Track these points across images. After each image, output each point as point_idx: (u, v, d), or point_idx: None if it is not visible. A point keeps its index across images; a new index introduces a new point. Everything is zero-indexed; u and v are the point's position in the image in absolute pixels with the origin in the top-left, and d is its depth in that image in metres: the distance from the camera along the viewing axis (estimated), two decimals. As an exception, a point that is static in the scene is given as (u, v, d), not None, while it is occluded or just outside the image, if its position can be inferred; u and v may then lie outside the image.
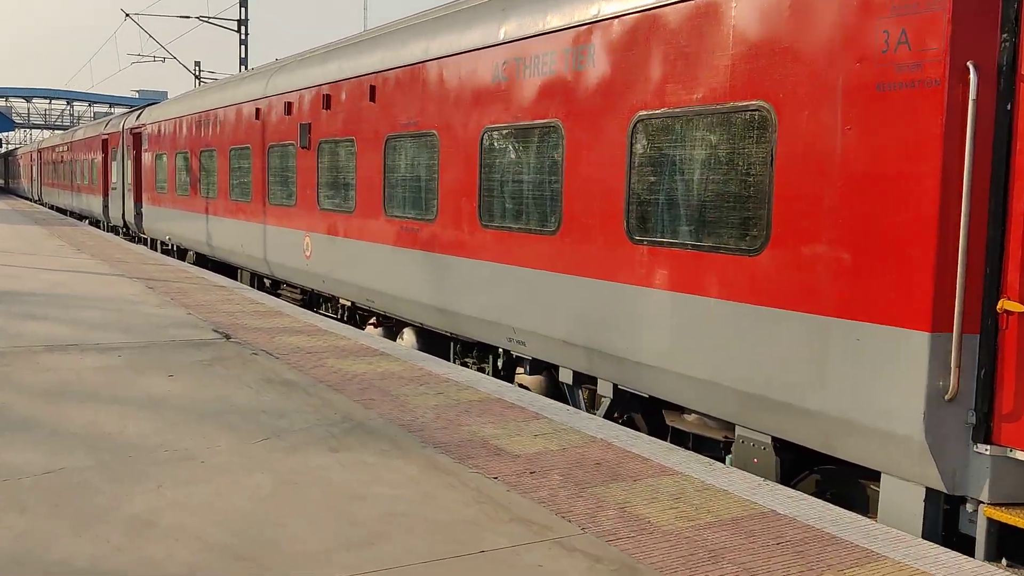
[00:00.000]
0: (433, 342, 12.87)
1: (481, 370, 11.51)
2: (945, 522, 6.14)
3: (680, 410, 8.46)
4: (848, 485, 6.96)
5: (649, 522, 5.79)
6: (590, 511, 5.93)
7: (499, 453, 7.18)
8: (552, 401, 8.91)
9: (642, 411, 8.93)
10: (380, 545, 5.23)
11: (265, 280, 19.29)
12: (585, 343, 8.73)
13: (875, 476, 6.74)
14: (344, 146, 13.81)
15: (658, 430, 8.81)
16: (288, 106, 15.86)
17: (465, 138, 10.66)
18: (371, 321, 13.79)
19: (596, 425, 8.09)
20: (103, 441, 7.16)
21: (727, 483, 6.62)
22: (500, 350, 10.56)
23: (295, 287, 17.25)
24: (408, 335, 13.11)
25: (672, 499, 6.24)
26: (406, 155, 12.03)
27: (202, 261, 23.59)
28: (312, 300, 17.11)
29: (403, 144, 12.11)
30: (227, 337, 12.06)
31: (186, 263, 23.02)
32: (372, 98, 12.81)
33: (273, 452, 7.02)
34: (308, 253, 15.34)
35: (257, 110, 17.43)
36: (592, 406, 9.59)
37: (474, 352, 12.05)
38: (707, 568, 5.12)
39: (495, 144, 10.11)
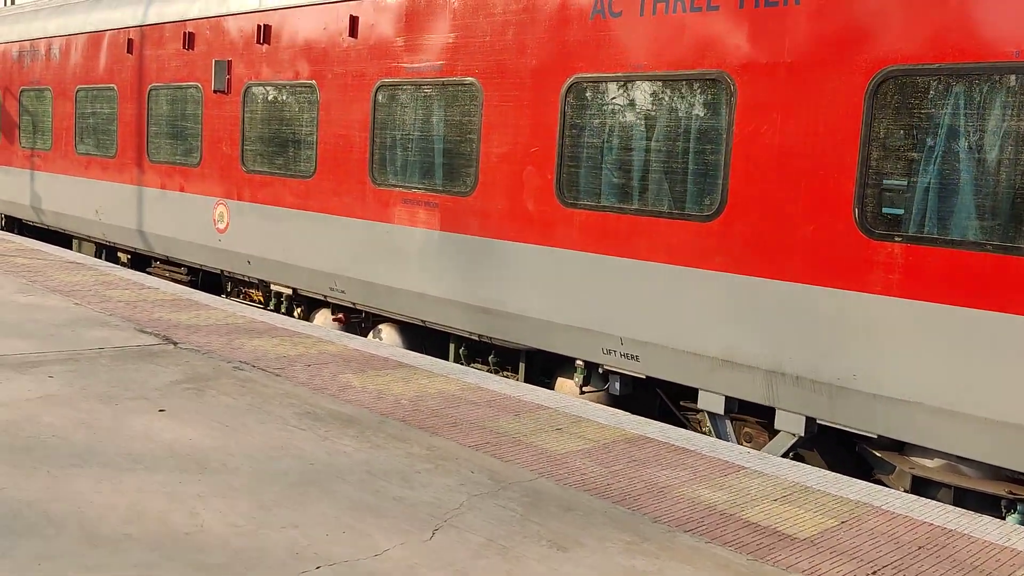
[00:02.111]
0: (421, 340, 10.40)
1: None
2: None
3: (883, 446, 6.72)
4: None
5: None
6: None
7: (780, 536, 5.12)
8: (717, 440, 6.89)
9: (814, 445, 7.12)
10: None
11: (121, 254, 15.64)
12: (770, 364, 6.75)
13: None
14: (296, 92, 10.86)
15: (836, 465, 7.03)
16: (189, 38, 12.51)
17: (534, 90, 8.27)
18: (336, 316, 11.02)
19: (820, 477, 6.19)
20: (191, 554, 4.39)
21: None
22: (579, 363, 8.33)
23: (179, 265, 13.92)
24: (389, 333, 10.52)
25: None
26: (415, 109, 9.41)
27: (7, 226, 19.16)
28: (205, 282, 13.87)
29: (408, 94, 9.47)
30: (171, 342, 9.01)
31: (-6, 229, 18.63)
32: (353, 32, 10.01)
33: (485, 558, 4.57)
34: (222, 226, 12.19)
35: (130, 41, 13.79)
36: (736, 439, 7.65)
37: (491, 357, 9.73)
38: None
39: (591, 99, 7.83)
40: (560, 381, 9.19)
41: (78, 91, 15.27)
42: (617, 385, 8.19)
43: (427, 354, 10.01)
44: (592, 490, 5.65)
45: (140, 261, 15.28)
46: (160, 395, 7.07)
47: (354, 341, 9.59)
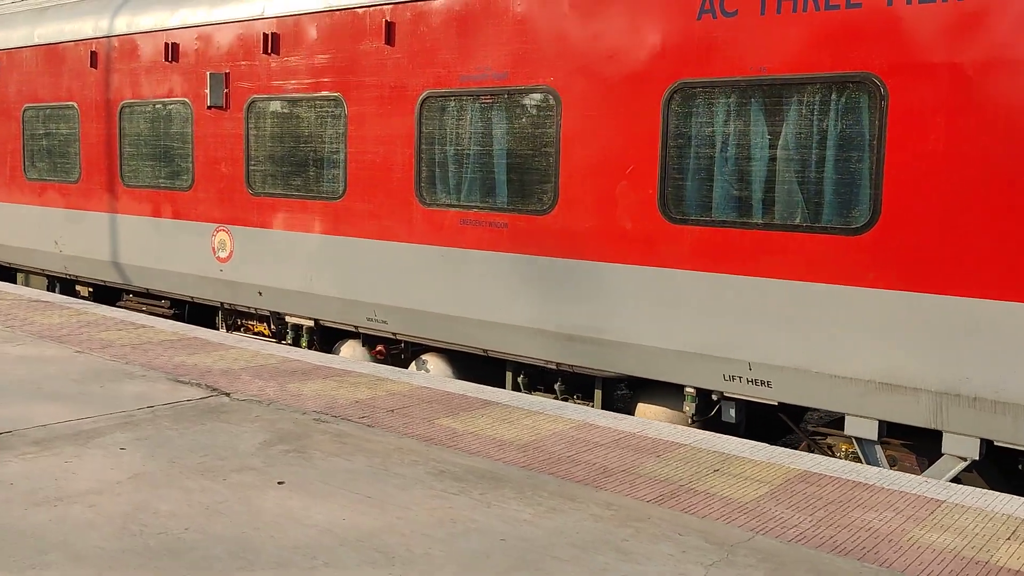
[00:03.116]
0: (471, 369, 9.66)
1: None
2: None
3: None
4: None
5: None
6: None
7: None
8: (884, 470, 6.40)
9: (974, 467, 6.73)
10: None
11: (81, 288, 14.25)
12: (940, 386, 6.30)
13: None
14: (316, 107, 9.91)
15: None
16: (173, 49, 11.36)
17: (625, 98, 7.62)
18: (376, 348, 10.11)
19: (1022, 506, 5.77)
20: None
21: None
22: (689, 391, 7.73)
23: (160, 298, 12.71)
24: (437, 363, 9.71)
25: None
26: (472, 121, 8.63)
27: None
28: (192, 315, 12.72)
29: (464, 105, 8.69)
30: (222, 393, 8.03)
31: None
32: (389, 39, 9.16)
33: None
34: (224, 254, 11.11)
35: (93, 54, 12.50)
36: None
37: (558, 385, 9.06)
38: None
39: (701, 106, 7.23)
40: (641, 407, 8.60)
41: (26, 111, 13.81)
42: (732, 412, 7.65)
43: (478, 383, 9.27)
44: (822, 545, 5.07)
45: (103, 295, 13.94)
46: (263, 463, 6.16)
47: (415, 377, 8.77)
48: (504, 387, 9.36)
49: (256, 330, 11.81)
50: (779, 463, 6.52)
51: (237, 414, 7.35)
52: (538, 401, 8.02)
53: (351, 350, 10.46)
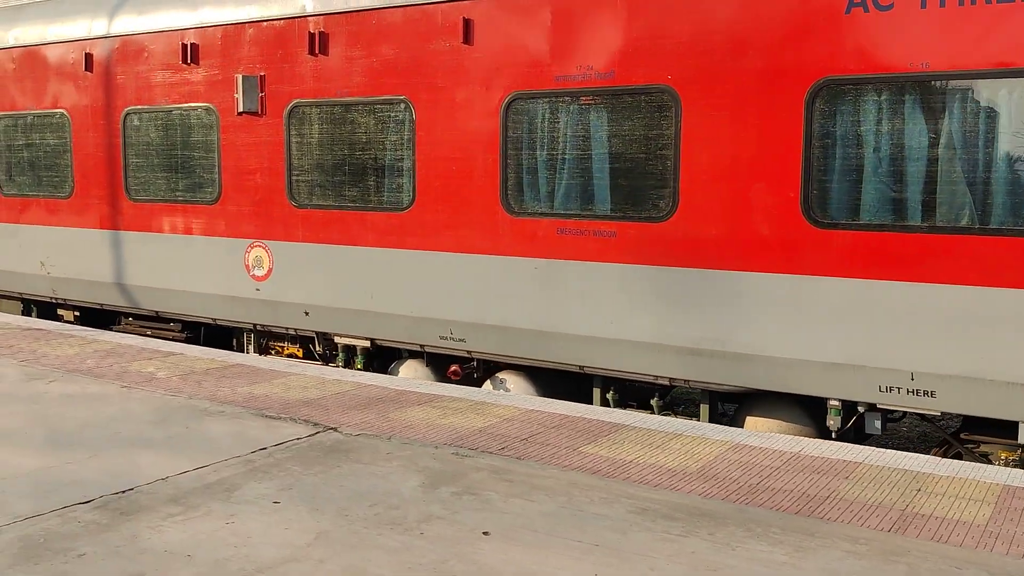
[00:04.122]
0: (553, 387, 9.12)
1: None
2: None
3: None
4: None
5: None
6: None
7: None
8: (1083, 477, 6.15)
9: None
10: None
11: (65, 312, 13.07)
12: None
13: None
14: (376, 111, 9.16)
15: None
16: (191, 50, 10.41)
17: (760, 96, 7.20)
18: (452, 368, 9.42)
19: None
20: None
21: None
22: (833, 403, 7.36)
23: (169, 320, 11.71)
24: (517, 381, 9.12)
25: None
26: (570, 124, 8.06)
27: None
28: (207, 336, 11.76)
29: (559, 106, 8.12)
30: (326, 428, 7.30)
31: None
32: (467, 38, 8.51)
33: None
34: (261, 272, 10.24)
35: (88, 57, 11.40)
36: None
37: (654, 400, 8.61)
38: None
39: (851, 103, 6.86)
40: (751, 420, 8.22)
41: (2, 119, 12.56)
42: (876, 423, 7.31)
43: (561, 400, 8.74)
44: (1108, 572, 4.75)
45: (91, 319, 12.81)
46: (444, 510, 5.50)
47: (516, 400, 8.17)
48: (591, 403, 8.85)
49: (287, 352, 10.97)
50: (969, 477, 6.19)
51: (364, 452, 6.64)
52: (667, 421, 7.54)
53: (411, 371, 9.76)
